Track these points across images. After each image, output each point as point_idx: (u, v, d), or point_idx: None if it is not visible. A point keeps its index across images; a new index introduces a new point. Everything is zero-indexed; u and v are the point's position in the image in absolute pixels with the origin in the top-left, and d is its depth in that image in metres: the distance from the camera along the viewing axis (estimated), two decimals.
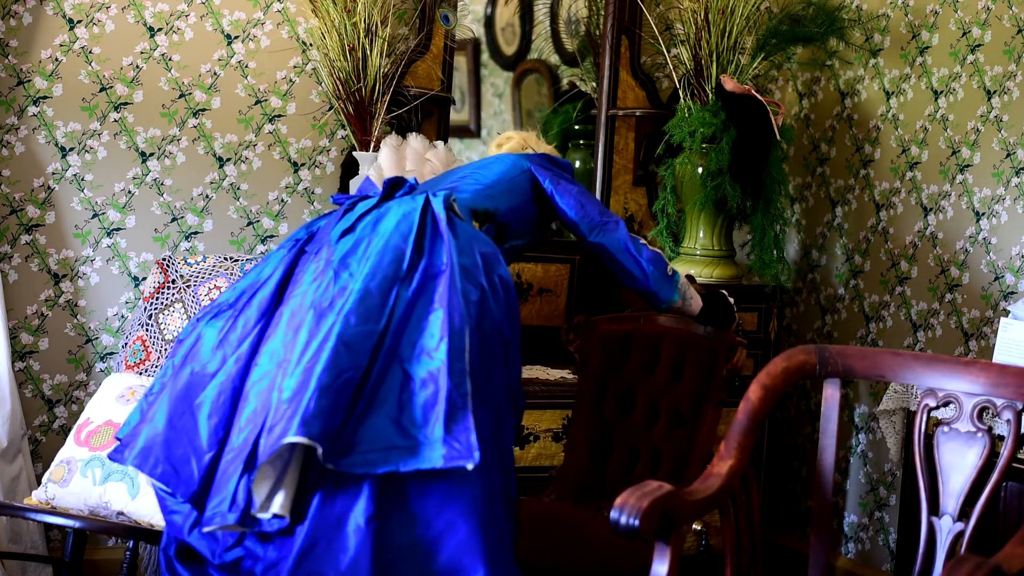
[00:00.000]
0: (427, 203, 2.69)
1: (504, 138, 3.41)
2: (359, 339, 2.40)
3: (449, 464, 2.32)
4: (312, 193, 3.90)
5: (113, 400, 3.21)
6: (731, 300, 3.21)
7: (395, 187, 2.84)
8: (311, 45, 3.83)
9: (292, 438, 2.28)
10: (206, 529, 2.45)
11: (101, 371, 3.70)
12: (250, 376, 2.54)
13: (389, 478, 2.36)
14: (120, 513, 3.01)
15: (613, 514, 2.00)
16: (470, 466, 2.31)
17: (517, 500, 2.63)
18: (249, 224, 3.84)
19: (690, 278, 3.19)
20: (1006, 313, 3.51)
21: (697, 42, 3.80)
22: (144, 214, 3.73)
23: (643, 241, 3.05)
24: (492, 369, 2.54)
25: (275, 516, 2.38)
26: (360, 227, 2.68)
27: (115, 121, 3.68)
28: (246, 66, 3.81)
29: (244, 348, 2.58)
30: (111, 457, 2.62)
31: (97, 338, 3.70)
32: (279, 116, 3.85)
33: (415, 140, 3.59)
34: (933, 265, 3.86)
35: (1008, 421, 2.19)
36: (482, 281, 2.58)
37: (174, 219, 3.76)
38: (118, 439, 2.64)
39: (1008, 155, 3.61)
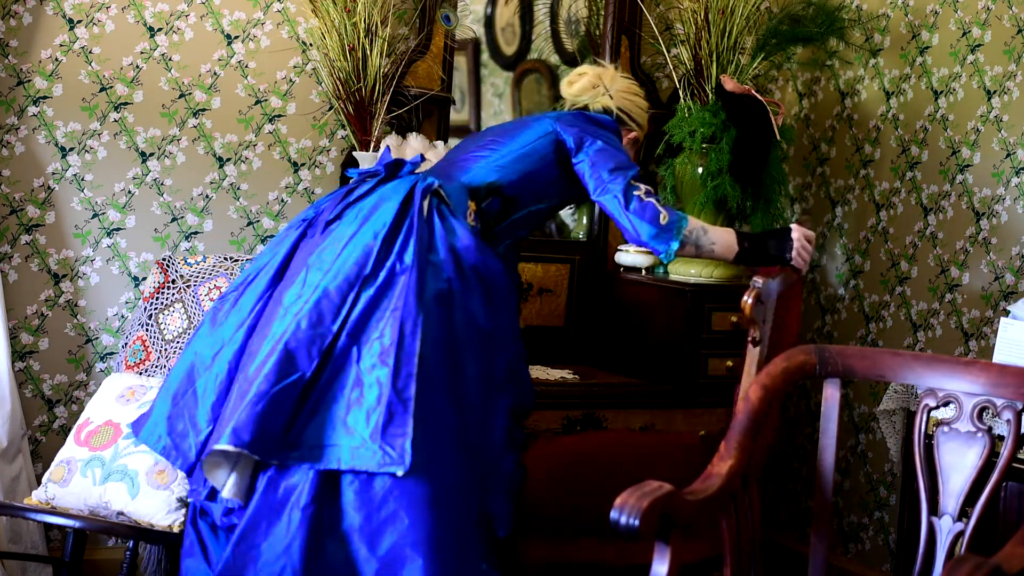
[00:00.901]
0: (409, 194, 2.73)
1: (576, 74, 3.21)
2: (305, 344, 2.52)
3: (381, 469, 2.42)
4: (312, 193, 3.90)
5: (113, 400, 3.21)
6: (796, 236, 3.00)
7: (395, 169, 2.88)
8: (311, 45, 3.83)
9: (222, 446, 2.45)
10: (188, 499, 2.70)
11: (101, 371, 3.70)
12: (243, 359, 2.68)
13: (333, 471, 2.48)
14: (120, 513, 3.01)
15: (613, 514, 2.00)
16: (400, 472, 2.41)
17: (517, 481, 2.68)
18: (249, 224, 3.84)
19: (740, 233, 3.04)
20: (1006, 313, 3.51)
21: (697, 42, 3.80)
22: (144, 214, 3.73)
23: (642, 192, 2.89)
24: (464, 363, 2.60)
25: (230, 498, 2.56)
26: (345, 216, 2.75)
27: (115, 121, 3.68)
28: (246, 66, 3.81)
29: (241, 333, 2.71)
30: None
31: (97, 338, 3.70)
32: (279, 116, 3.85)
33: (415, 140, 3.59)
34: (933, 265, 3.86)
35: (1008, 421, 2.19)
36: (449, 275, 2.63)
37: (174, 219, 3.76)
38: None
39: (1008, 155, 3.61)
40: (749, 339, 2.81)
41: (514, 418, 2.77)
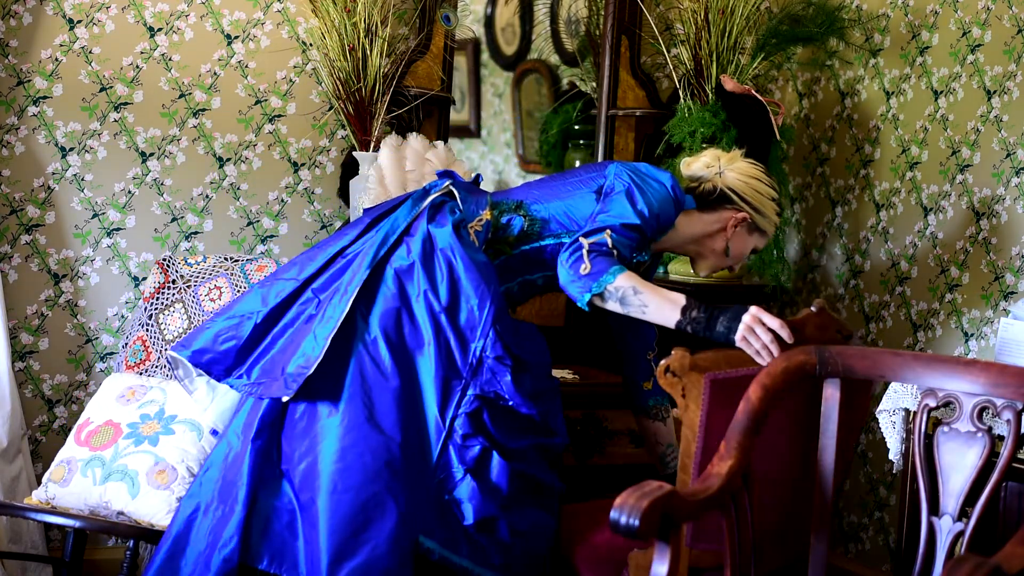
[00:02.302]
0: (423, 193, 2.93)
1: (695, 156, 3.12)
2: (273, 286, 2.83)
3: (271, 395, 2.69)
4: (312, 193, 3.90)
5: (113, 400, 3.21)
6: (747, 318, 2.59)
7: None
8: (311, 45, 3.83)
9: (171, 352, 2.85)
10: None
11: (101, 371, 3.70)
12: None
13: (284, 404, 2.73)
14: (120, 513, 3.01)
15: (613, 514, 2.00)
16: (285, 399, 2.67)
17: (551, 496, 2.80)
18: (249, 224, 3.84)
19: (700, 302, 2.71)
20: (1006, 313, 3.51)
21: (697, 42, 3.80)
22: (144, 214, 3.73)
23: (588, 244, 2.76)
24: (418, 342, 2.73)
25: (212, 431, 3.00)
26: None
27: (115, 121, 3.68)
28: (246, 66, 3.81)
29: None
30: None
31: (97, 338, 3.70)
32: (279, 116, 3.85)
33: (415, 140, 3.59)
34: (933, 265, 3.86)
35: (1008, 421, 2.19)
36: (414, 253, 2.78)
37: (174, 219, 3.76)
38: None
39: (1008, 155, 3.61)
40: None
41: (506, 419, 2.76)
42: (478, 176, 3.09)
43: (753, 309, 2.59)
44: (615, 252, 2.76)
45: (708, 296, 3.70)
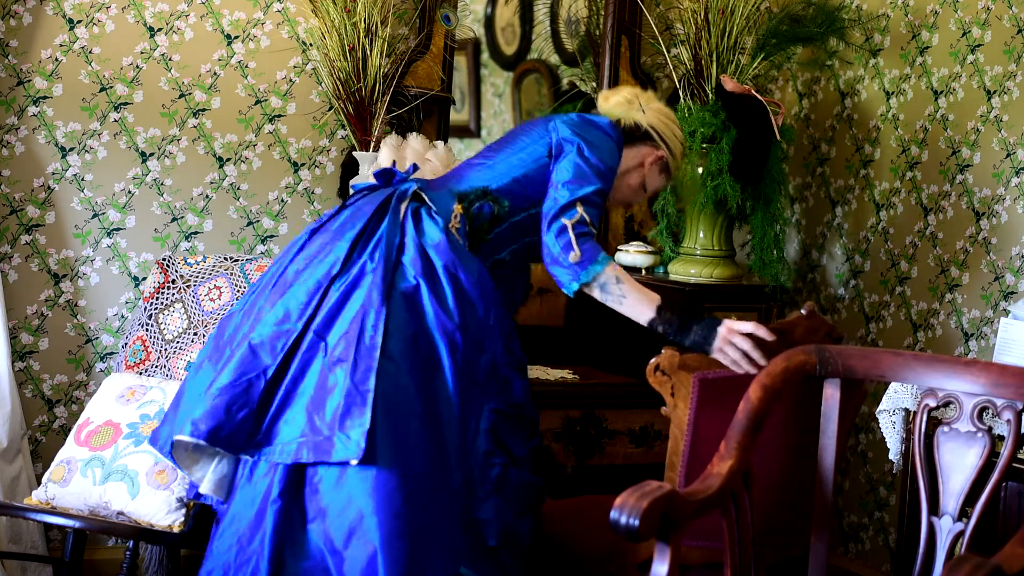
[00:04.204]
0: (387, 199, 2.77)
1: (613, 91, 3.12)
2: (270, 340, 2.60)
3: (336, 459, 2.47)
4: (312, 193, 3.90)
5: (113, 400, 3.21)
6: (723, 333, 2.64)
7: (387, 178, 2.89)
8: (311, 45, 3.83)
9: (179, 436, 2.55)
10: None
11: (101, 371, 3.70)
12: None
13: (303, 465, 2.54)
14: (120, 513, 3.01)
15: (613, 514, 2.00)
16: (354, 461, 2.44)
17: (525, 495, 2.70)
18: (249, 224, 3.84)
19: (674, 305, 2.79)
20: (1006, 313, 3.51)
21: (697, 42, 3.80)
22: (144, 214, 3.73)
23: (573, 220, 2.76)
24: (437, 359, 2.61)
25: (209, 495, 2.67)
26: (326, 227, 2.81)
27: (115, 121, 3.68)
28: (246, 66, 3.81)
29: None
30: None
31: (97, 338, 3.70)
32: (279, 116, 3.85)
33: (415, 140, 3.59)
34: (933, 265, 3.86)
35: (1008, 421, 2.19)
36: (417, 273, 2.65)
37: (174, 219, 3.76)
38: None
39: (1008, 155, 3.61)
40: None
41: (516, 427, 2.75)
42: (414, 166, 2.96)
43: (727, 323, 2.66)
44: (592, 228, 2.78)
45: (708, 296, 3.71)
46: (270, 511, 2.51)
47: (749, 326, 2.64)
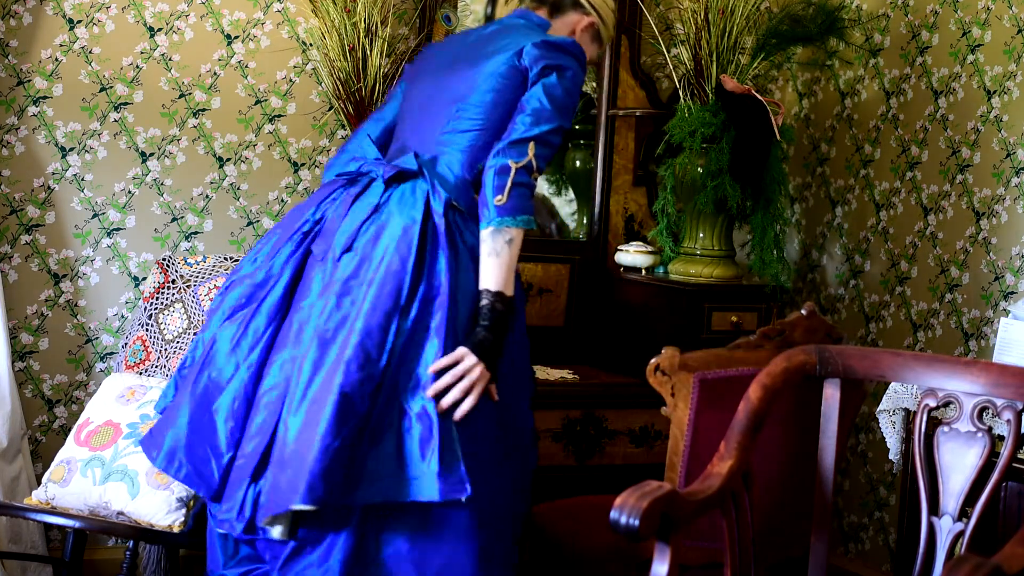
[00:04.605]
0: (427, 211, 2.67)
1: None
2: (359, 386, 2.48)
3: (444, 497, 2.43)
4: (312, 193, 3.90)
5: (113, 400, 3.21)
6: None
7: (398, 176, 2.75)
8: (311, 45, 3.83)
9: (299, 506, 2.42)
10: (219, 530, 2.64)
11: (101, 371, 3.70)
12: (261, 384, 2.64)
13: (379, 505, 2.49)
14: (120, 513, 3.01)
15: (613, 514, 2.00)
16: (464, 498, 2.43)
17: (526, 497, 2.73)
18: (249, 224, 3.84)
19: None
20: (1006, 313, 3.51)
21: (697, 42, 3.80)
22: (144, 214, 3.73)
23: (520, 163, 2.67)
24: (501, 375, 2.62)
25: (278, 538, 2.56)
26: (361, 244, 2.66)
27: (115, 121, 3.68)
28: (246, 66, 3.81)
29: (255, 356, 2.67)
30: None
31: (97, 338, 3.70)
32: (279, 116, 3.85)
33: None
34: (933, 265, 3.86)
35: (1008, 421, 2.19)
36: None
37: (174, 219, 3.76)
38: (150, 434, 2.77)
39: (1008, 155, 3.61)
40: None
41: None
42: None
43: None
44: (535, 175, 2.69)
45: (708, 296, 3.70)
46: (340, 545, 2.50)
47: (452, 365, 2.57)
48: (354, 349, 2.50)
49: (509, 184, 2.63)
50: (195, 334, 3.42)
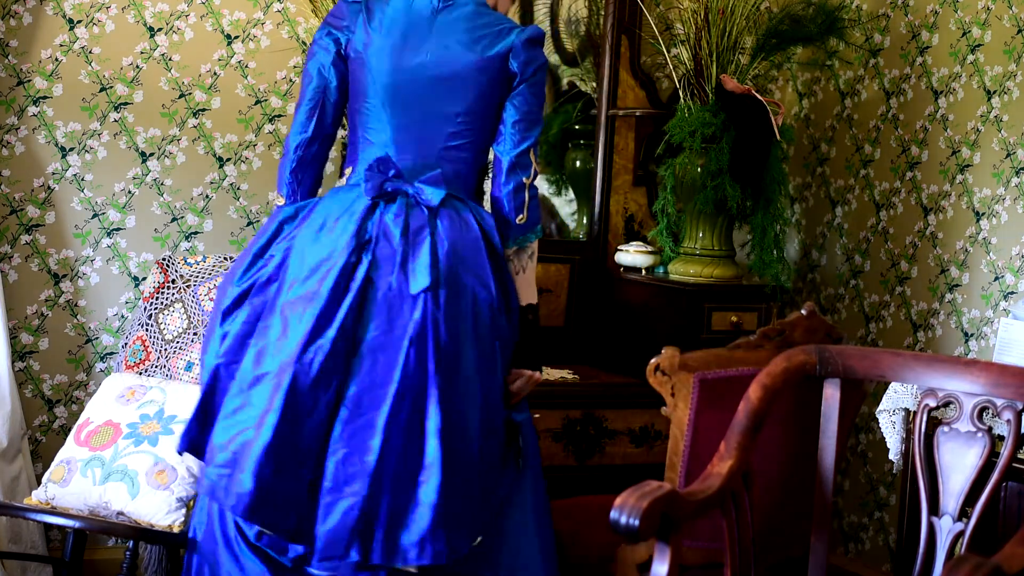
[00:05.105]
0: (464, 223, 2.66)
1: None
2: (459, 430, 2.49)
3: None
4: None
5: (113, 400, 3.21)
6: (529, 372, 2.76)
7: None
8: None
9: (411, 567, 2.45)
10: (318, 573, 2.54)
11: (101, 371, 3.70)
12: (339, 416, 2.48)
13: None
14: (120, 513, 3.01)
15: (613, 514, 2.00)
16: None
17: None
18: (249, 224, 3.84)
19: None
20: (1006, 313, 3.51)
21: (697, 42, 3.80)
22: (144, 214, 3.73)
23: (532, 171, 2.77)
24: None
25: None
26: (417, 259, 2.59)
27: (115, 121, 3.68)
28: (246, 66, 3.81)
29: (332, 377, 2.48)
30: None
31: (97, 338, 3.70)
32: (279, 116, 3.85)
33: None
34: (933, 265, 3.86)
35: (1008, 421, 2.19)
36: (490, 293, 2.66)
37: (174, 219, 3.76)
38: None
39: (1008, 155, 3.61)
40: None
41: None
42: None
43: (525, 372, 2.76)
44: (535, 185, 2.81)
45: (708, 296, 3.70)
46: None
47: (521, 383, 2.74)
48: (445, 391, 2.51)
49: (526, 200, 2.75)
50: (194, 334, 3.42)
